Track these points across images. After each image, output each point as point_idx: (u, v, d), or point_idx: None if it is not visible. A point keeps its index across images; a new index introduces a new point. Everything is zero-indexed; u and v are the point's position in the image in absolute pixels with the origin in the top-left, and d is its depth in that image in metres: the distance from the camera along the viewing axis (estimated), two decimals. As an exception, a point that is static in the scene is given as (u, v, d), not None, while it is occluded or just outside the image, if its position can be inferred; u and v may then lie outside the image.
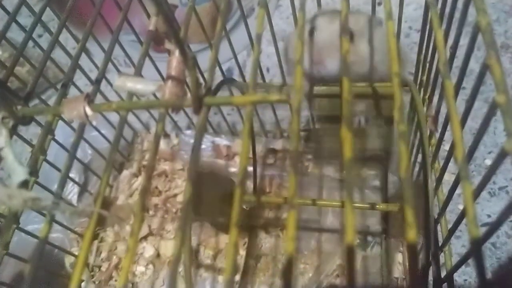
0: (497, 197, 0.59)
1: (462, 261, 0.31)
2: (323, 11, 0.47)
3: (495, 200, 0.59)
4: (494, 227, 0.24)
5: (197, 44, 0.70)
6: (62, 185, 0.25)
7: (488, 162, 0.62)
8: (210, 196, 0.37)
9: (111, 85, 0.58)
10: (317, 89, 0.41)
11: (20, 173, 0.25)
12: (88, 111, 0.26)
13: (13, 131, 0.28)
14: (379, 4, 0.82)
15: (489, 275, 0.54)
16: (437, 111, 0.33)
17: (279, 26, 0.82)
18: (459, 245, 0.56)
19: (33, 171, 0.27)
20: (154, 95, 0.31)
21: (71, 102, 0.27)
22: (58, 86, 0.53)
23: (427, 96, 0.40)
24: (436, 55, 0.33)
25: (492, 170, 0.23)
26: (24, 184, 0.24)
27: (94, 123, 0.27)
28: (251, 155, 0.62)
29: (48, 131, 0.29)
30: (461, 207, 0.59)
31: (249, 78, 0.26)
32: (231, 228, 0.21)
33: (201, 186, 0.35)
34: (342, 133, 0.22)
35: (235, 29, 0.77)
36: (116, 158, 0.65)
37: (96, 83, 0.29)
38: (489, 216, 0.58)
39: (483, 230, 0.63)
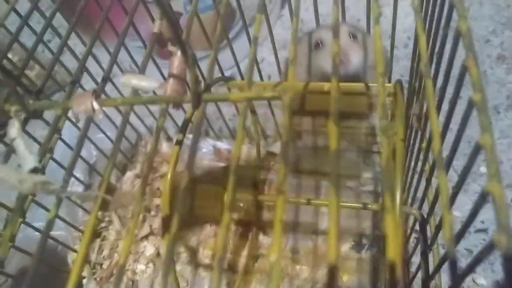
0: (491, 203, 0.60)
1: (442, 262, 0.32)
2: (321, 26, 0.51)
3: (489, 206, 0.59)
4: (467, 223, 0.26)
5: (201, 51, 0.72)
6: (70, 171, 0.27)
7: (483, 169, 0.63)
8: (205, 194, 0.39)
9: (117, 88, 0.60)
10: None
11: (30, 161, 0.27)
12: (95, 105, 0.28)
13: (24, 124, 0.30)
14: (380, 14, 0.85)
15: (482, 280, 0.55)
16: (421, 109, 0.35)
17: (281, 36, 0.85)
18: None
19: (41, 161, 0.28)
20: (154, 92, 0.33)
21: (80, 97, 0.29)
22: (66, 89, 0.55)
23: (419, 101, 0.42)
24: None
25: (470, 163, 0.24)
26: (34, 171, 0.26)
27: (100, 117, 0.28)
28: (252, 159, 0.64)
29: (58, 124, 0.31)
30: (456, 213, 0.60)
31: (245, 77, 0.28)
32: (225, 212, 0.23)
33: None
34: (329, 127, 0.24)
35: (237, 38, 0.79)
36: (119, 160, 0.67)
37: (103, 81, 0.31)
38: (482, 222, 0.59)
39: (476, 236, 0.64)
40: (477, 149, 0.23)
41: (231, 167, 0.23)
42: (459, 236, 0.28)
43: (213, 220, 0.50)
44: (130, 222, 0.22)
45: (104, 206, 0.60)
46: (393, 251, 0.22)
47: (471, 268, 0.24)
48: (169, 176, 0.29)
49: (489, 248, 0.21)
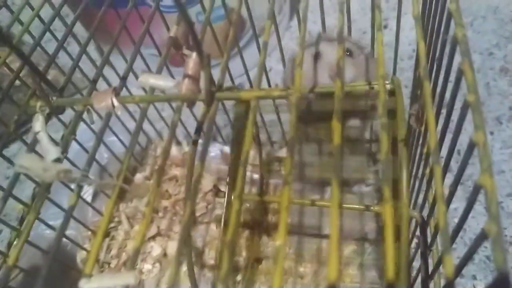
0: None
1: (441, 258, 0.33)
2: (319, 38, 0.53)
3: (490, 214, 0.61)
4: (463, 217, 0.27)
5: (212, 60, 0.75)
6: (90, 163, 0.29)
7: (485, 178, 0.64)
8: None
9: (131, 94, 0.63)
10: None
11: (53, 152, 0.29)
12: (115, 102, 0.30)
13: (48, 118, 0.32)
14: (385, 27, 0.87)
15: (483, 287, 0.56)
16: (419, 110, 0.36)
17: (289, 46, 0.87)
18: (454, 256, 0.58)
19: (63, 152, 0.30)
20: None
21: (100, 95, 0.31)
22: (83, 92, 0.57)
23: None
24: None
25: (464, 163, 0.26)
26: (57, 161, 0.28)
27: (119, 113, 0.30)
28: (256, 163, 0.65)
29: (78, 121, 0.32)
30: (456, 220, 0.61)
31: (255, 78, 0.30)
32: (234, 200, 0.24)
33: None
34: (333, 124, 0.25)
35: (247, 47, 0.82)
36: (129, 163, 0.69)
37: (122, 79, 0.33)
38: (483, 229, 0.60)
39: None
40: (471, 146, 0.24)
41: (242, 159, 0.25)
42: (457, 231, 0.29)
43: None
44: (145, 209, 0.24)
45: (121, 195, 0.62)
46: (390, 242, 0.23)
47: (466, 259, 0.25)
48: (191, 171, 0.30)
49: (481, 237, 0.22)
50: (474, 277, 0.57)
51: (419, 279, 0.45)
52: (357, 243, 0.56)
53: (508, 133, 0.68)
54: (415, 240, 0.54)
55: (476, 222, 0.61)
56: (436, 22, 0.35)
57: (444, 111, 0.33)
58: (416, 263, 0.51)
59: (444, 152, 0.41)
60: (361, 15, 0.89)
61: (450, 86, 0.33)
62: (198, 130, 0.36)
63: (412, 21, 0.51)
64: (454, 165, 0.64)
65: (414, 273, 0.50)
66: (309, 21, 0.39)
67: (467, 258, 0.25)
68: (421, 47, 0.28)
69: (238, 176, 0.24)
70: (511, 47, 0.78)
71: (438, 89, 0.34)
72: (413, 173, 0.51)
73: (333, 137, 0.25)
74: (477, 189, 0.23)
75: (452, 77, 0.32)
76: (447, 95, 0.35)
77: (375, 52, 0.49)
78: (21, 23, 0.44)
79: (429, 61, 0.38)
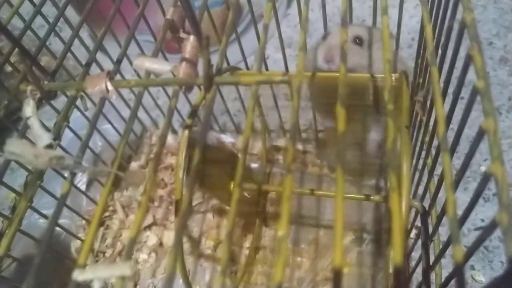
0: (491, 202, 0.61)
1: (445, 247, 0.33)
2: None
3: (489, 205, 0.61)
4: (471, 204, 0.26)
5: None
6: (83, 150, 0.27)
7: (484, 168, 0.64)
8: (215, 170, 0.40)
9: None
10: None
11: (45, 138, 0.27)
12: (109, 86, 0.29)
13: (39, 103, 0.30)
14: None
15: (481, 276, 0.56)
16: (426, 96, 0.36)
17: (286, 34, 0.86)
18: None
19: (55, 139, 0.29)
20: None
21: (94, 78, 0.30)
22: (76, 79, 0.56)
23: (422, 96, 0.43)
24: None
25: (472, 149, 0.25)
26: (49, 148, 0.27)
27: (113, 98, 0.29)
28: (255, 152, 0.65)
29: (70, 107, 0.31)
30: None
31: (255, 62, 0.29)
32: (234, 189, 0.23)
33: (207, 159, 0.38)
34: (337, 109, 0.24)
35: (244, 34, 0.80)
36: (124, 151, 0.68)
37: (117, 63, 0.32)
38: (482, 220, 0.60)
39: (476, 234, 0.65)
40: (480, 133, 0.23)
41: (242, 146, 0.24)
42: (463, 219, 0.28)
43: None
44: (141, 198, 0.23)
45: (116, 183, 0.61)
46: (398, 229, 0.22)
47: (476, 246, 0.24)
48: (182, 157, 0.29)
49: (492, 226, 0.21)
50: (472, 267, 0.56)
51: (418, 269, 0.45)
52: (355, 233, 0.55)
53: (507, 123, 0.68)
54: (414, 231, 0.54)
55: (475, 212, 0.60)
56: (442, 6, 0.34)
57: (447, 100, 0.32)
58: (415, 254, 0.51)
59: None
60: (360, 3, 0.88)
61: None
62: (193, 114, 0.35)
63: (411, 9, 0.49)
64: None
65: (413, 263, 0.49)
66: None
67: (477, 245, 0.24)
68: (428, 31, 0.27)
69: (238, 164, 0.23)
70: (511, 37, 0.77)
71: (443, 76, 0.33)
72: (413, 164, 0.50)
73: (337, 124, 0.24)
74: (486, 177, 0.22)
75: (458, 64, 0.31)
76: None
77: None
78: (11, 6, 0.43)
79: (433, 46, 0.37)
